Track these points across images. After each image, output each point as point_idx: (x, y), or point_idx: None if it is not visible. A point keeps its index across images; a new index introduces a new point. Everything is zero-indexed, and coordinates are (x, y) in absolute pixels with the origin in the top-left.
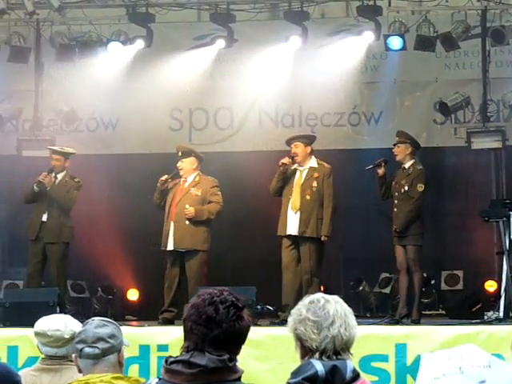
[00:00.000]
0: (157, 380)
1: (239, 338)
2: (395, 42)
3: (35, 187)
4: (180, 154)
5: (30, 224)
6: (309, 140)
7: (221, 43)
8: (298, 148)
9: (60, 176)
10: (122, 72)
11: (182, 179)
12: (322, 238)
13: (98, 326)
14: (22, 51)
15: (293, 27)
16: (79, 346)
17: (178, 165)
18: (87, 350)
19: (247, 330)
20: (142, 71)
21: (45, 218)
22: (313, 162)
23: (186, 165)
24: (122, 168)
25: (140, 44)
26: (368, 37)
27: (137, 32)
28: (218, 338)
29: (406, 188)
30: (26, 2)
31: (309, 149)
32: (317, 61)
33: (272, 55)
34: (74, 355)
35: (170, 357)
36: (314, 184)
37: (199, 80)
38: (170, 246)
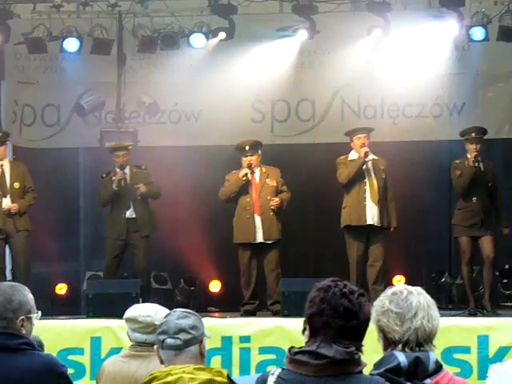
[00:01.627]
0: (280, 370)
1: (366, 327)
2: (478, 33)
3: (115, 187)
4: (247, 148)
5: (112, 225)
6: (370, 132)
7: (303, 35)
8: (367, 139)
9: (127, 170)
10: (205, 64)
11: (249, 172)
12: (392, 229)
13: (179, 317)
14: (104, 43)
15: (375, 18)
16: (161, 337)
17: (246, 159)
18: (169, 340)
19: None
20: (224, 63)
21: (129, 214)
22: (371, 154)
23: (256, 158)
24: (205, 159)
25: (222, 36)
26: (450, 28)
27: (219, 24)
28: (355, 329)
29: (491, 184)
30: None
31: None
32: (399, 52)
33: (354, 46)
34: (155, 346)
35: (293, 347)
36: (383, 176)
37: (281, 72)
38: (259, 239)
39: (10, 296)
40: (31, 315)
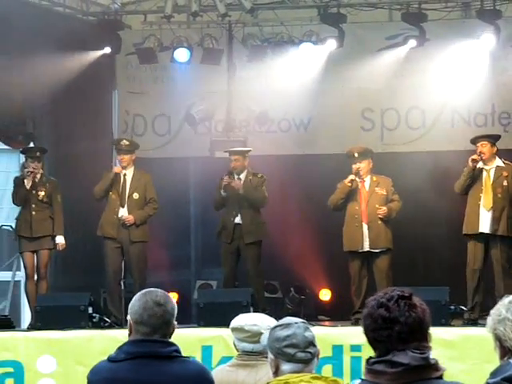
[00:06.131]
0: (359, 381)
1: (422, 326)
2: None
3: (222, 193)
4: (356, 155)
5: (222, 228)
6: (495, 139)
7: (412, 42)
8: (485, 147)
9: (243, 176)
10: (314, 72)
11: (359, 180)
12: None
13: (305, 329)
14: (214, 53)
15: (485, 26)
16: (291, 351)
17: (355, 166)
18: (300, 354)
19: (426, 315)
20: (333, 71)
21: (238, 220)
22: (498, 161)
23: (365, 166)
24: (314, 168)
25: (332, 44)
26: None
27: (328, 32)
28: (402, 334)
29: None
30: (219, 4)
31: (494, 148)
32: (509, 59)
33: (464, 54)
34: (271, 357)
35: (371, 357)
36: (505, 183)
37: (391, 80)
38: (366, 247)
39: (165, 303)
40: (175, 322)
